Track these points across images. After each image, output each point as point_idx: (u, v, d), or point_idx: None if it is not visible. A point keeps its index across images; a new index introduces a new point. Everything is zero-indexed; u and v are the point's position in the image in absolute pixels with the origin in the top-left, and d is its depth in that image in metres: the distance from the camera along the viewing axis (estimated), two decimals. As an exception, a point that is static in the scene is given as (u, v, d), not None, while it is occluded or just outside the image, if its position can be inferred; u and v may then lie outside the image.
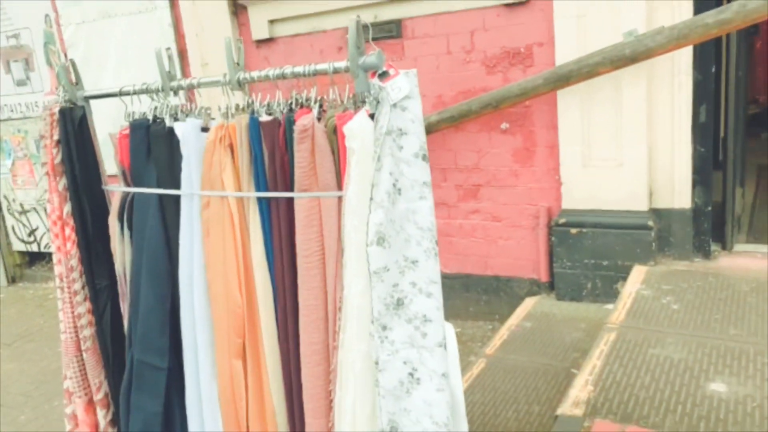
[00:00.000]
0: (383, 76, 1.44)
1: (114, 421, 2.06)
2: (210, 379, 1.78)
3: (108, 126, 2.05)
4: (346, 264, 1.50)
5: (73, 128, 1.92)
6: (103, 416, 2.04)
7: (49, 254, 5.30)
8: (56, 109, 1.92)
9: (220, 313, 1.73)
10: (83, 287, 2.00)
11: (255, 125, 1.63)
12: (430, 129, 3.60)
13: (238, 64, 1.69)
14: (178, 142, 1.75)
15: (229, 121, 1.68)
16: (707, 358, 2.35)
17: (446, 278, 3.13)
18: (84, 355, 2.01)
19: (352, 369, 1.51)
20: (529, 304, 3.60)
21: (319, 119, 1.56)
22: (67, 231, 1.97)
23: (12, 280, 5.98)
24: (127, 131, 1.86)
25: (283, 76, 1.63)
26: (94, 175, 1.99)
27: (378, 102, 1.43)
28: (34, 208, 5.75)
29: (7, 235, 5.99)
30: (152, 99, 1.85)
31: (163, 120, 1.81)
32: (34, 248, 5.90)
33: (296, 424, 1.70)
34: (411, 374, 1.46)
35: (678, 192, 3.30)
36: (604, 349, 2.48)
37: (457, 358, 1.57)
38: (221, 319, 1.73)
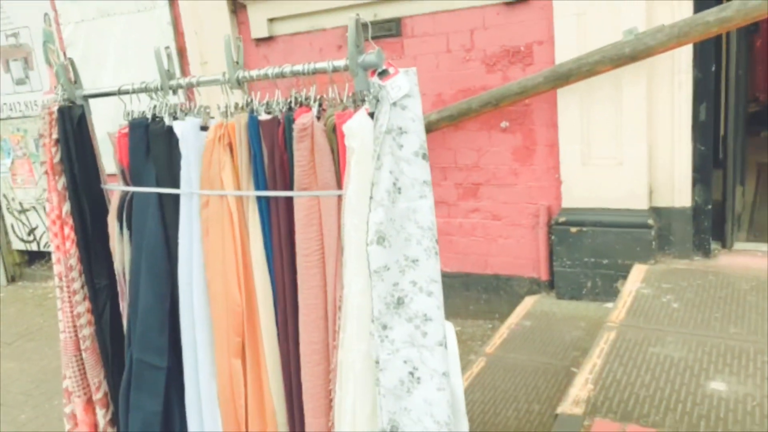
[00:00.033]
0: (383, 74, 1.43)
1: (113, 421, 2.05)
2: (209, 379, 1.78)
3: (107, 125, 2.04)
4: (346, 263, 1.50)
5: (72, 127, 1.92)
6: (102, 415, 2.04)
7: (49, 253, 5.29)
8: (55, 108, 1.92)
9: (220, 312, 1.73)
10: (82, 286, 1.99)
11: (254, 124, 1.62)
12: (429, 128, 3.60)
13: (237, 62, 1.68)
14: (177, 141, 1.74)
15: (229, 120, 1.68)
16: (707, 356, 2.35)
17: (446, 277, 3.12)
18: (83, 354, 2.01)
19: (352, 368, 1.51)
20: (529, 302, 3.60)
21: (318, 118, 1.55)
22: (66, 230, 1.97)
23: (11, 279, 5.98)
24: (126, 130, 1.86)
25: (282, 75, 1.62)
26: (93, 174, 1.99)
27: (378, 101, 1.43)
28: (34, 207, 5.74)
29: (6, 234, 5.98)
30: (151, 98, 1.84)
31: (162, 119, 1.80)
32: (34, 247, 5.89)
33: (296, 424, 1.70)
34: (411, 373, 1.46)
35: (678, 190, 3.30)
36: (604, 347, 2.48)
37: (458, 357, 1.57)
38: (220, 318, 1.73)
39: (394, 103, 1.41)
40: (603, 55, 3.11)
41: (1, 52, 5.48)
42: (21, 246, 5.96)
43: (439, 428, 1.45)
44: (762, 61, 6.61)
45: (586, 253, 3.44)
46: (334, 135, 1.53)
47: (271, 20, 4.13)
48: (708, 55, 3.15)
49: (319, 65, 1.57)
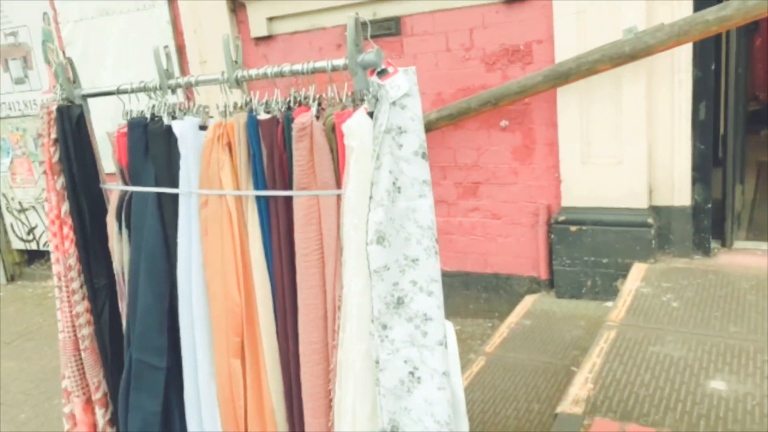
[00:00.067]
0: (382, 73, 1.43)
1: (113, 421, 2.05)
2: (208, 379, 1.78)
3: (106, 124, 2.04)
4: (346, 263, 1.50)
5: (71, 127, 1.91)
6: (101, 415, 2.04)
7: (48, 252, 5.29)
8: (54, 108, 1.91)
9: (219, 312, 1.73)
10: (81, 286, 1.99)
11: (253, 123, 1.62)
12: (429, 127, 3.59)
13: (236, 62, 1.68)
14: (176, 140, 1.74)
15: (228, 120, 1.67)
16: (707, 355, 2.35)
17: (446, 276, 3.12)
18: (82, 354, 2.00)
19: (352, 368, 1.50)
20: (528, 301, 3.60)
21: (317, 117, 1.55)
22: (65, 230, 1.96)
23: (11, 279, 5.97)
24: (125, 130, 1.86)
25: (281, 74, 1.62)
26: (92, 174, 1.98)
27: (377, 100, 1.42)
28: (33, 207, 5.74)
29: (6, 233, 5.98)
30: (150, 97, 1.84)
31: (161, 118, 1.80)
32: (33, 246, 5.89)
33: (295, 424, 1.69)
34: (412, 373, 1.45)
35: (678, 189, 3.29)
36: (603, 347, 2.48)
37: (457, 357, 1.57)
38: (220, 318, 1.73)
39: (394, 103, 1.40)
40: (603, 53, 3.10)
41: (1, 51, 5.47)
42: (20, 245, 5.96)
43: (440, 428, 1.45)
44: (762, 60, 6.61)
45: (586, 252, 3.44)
46: (333, 134, 1.52)
47: (270, 19, 4.12)
48: (708, 53, 3.14)
49: (318, 64, 1.56)
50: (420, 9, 3.67)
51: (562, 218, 3.50)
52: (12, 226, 5.94)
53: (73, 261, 1.97)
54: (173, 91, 1.82)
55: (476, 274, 3.91)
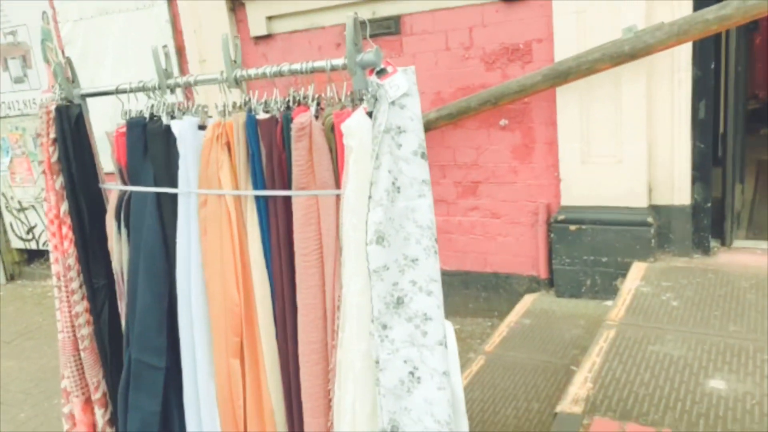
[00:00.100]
0: (381, 73, 1.43)
1: (112, 421, 2.05)
2: (208, 378, 1.78)
3: (105, 123, 2.04)
4: (345, 263, 1.50)
5: (70, 126, 1.91)
6: (101, 415, 2.03)
7: (48, 252, 5.30)
8: (52, 107, 1.91)
9: (218, 312, 1.72)
10: (81, 286, 1.99)
11: (252, 123, 1.62)
12: (428, 126, 3.59)
13: (235, 61, 1.68)
14: (175, 140, 1.74)
15: (227, 119, 1.67)
16: (706, 355, 2.35)
17: (445, 275, 3.11)
18: (82, 354, 2.00)
19: (352, 368, 1.50)
20: (528, 300, 3.60)
21: (316, 117, 1.55)
22: (64, 229, 1.96)
23: (11, 278, 5.97)
24: (124, 129, 1.85)
25: (280, 74, 1.62)
26: (91, 174, 1.98)
27: (376, 100, 1.42)
28: (33, 206, 5.74)
29: (5, 232, 5.98)
30: (149, 97, 1.83)
31: (159, 118, 1.80)
32: (33, 246, 5.89)
33: (294, 424, 1.69)
34: (411, 373, 1.45)
35: (677, 188, 3.29)
36: (603, 346, 2.47)
37: (457, 356, 1.57)
38: (219, 317, 1.73)
39: (393, 102, 1.40)
40: (602, 53, 3.10)
41: (0, 51, 5.46)
42: (20, 244, 5.96)
43: (440, 427, 1.45)
44: (762, 59, 6.61)
45: (586, 251, 3.44)
46: (332, 134, 1.52)
47: (269, 18, 4.12)
48: (707, 52, 3.14)
49: (318, 64, 1.56)
50: (419, 8, 3.67)
51: (561, 217, 3.50)
52: (11, 225, 5.94)
53: (72, 261, 1.97)
54: (172, 91, 1.81)
55: (476, 273, 3.91)
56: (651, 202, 3.35)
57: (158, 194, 1.80)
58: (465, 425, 1.57)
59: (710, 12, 2.84)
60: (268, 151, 1.61)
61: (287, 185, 1.60)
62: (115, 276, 1.96)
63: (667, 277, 3.05)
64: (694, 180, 3.27)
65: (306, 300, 1.59)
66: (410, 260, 1.45)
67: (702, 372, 2.24)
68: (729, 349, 2.37)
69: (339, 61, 1.51)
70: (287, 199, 1.60)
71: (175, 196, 1.77)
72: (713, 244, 3.36)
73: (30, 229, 5.85)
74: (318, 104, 1.60)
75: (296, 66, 1.59)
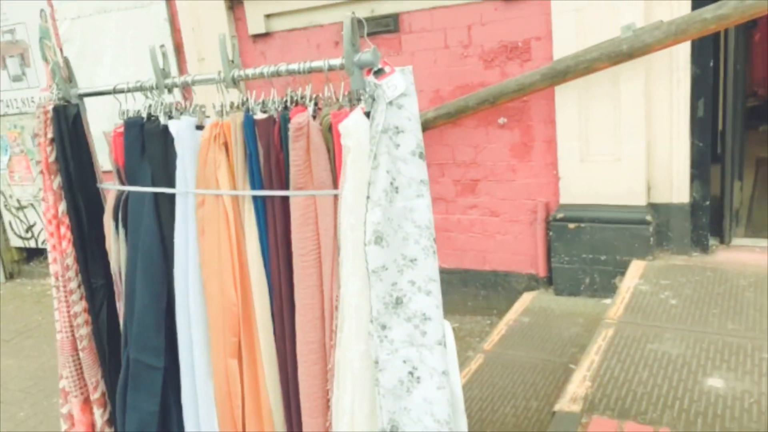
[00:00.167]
0: (379, 73, 1.42)
1: (111, 421, 2.05)
2: (206, 378, 1.78)
3: (103, 123, 2.03)
4: (343, 263, 1.49)
5: (67, 126, 1.91)
6: (100, 415, 2.04)
7: (47, 250, 5.30)
8: (50, 107, 1.91)
9: (216, 312, 1.72)
10: (79, 286, 1.99)
11: (250, 123, 1.62)
12: (427, 125, 3.59)
13: (232, 61, 1.67)
14: (172, 140, 1.73)
15: (224, 119, 1.67)
16: (705, 353, 2.35)
17: (444, 273, 3.11)
18: (80, 354, 2.00)
19: (350, 368, 1.50)
20: (527, 299, 3.60)
21: (314, 117, 1.54)
22: (63, 229, 1.96)
23: (10, 276, 5.97)
24: (122, 129, 1.85)
25: (278, 74, 1.62)
26: (88, 174, 1.98)
27: (374, 100, 1.42)
28: (32, 204, 5.74)
29: (4, 231, 5.98)
30: (147, 97, 1.83)
31: (157, 118, 1.79)
32: (32, 244, 5.89)
33: (293, 424, 1.69)
34: (411, 373, 1.45)
35: (676, 186, 3.29)
36: (602, 344, 2.48)
37: (455, 356, 1.57)
38: (216, 317, 1.72)
39: (391, 102, 1.40)
40: (600, 52, 3.10)
41: (-2, 49, 5.47)
42: (19, 243, 5.96)
43: (440, 427, 1.45)
44: (761, 56, 6.59)
45: (584, 249, 3.44)
46: (330, 134, 1.52)
47: (268, 16, 4.11)
48: (706, 50, 3.14)
49: (315, 64, 1.56)
50: (418, 6, 3.66)
51: (560, 215, 3.50)
52: (10, 223, 5.94)
53: (70, 261, 1.97)
54: (170, 91, 1.81)
55: (475, 272, 3.92)
56: (650, 201, 3.35)
57: (156, 194, 1.80)
58: (464, 424, 1.57)
59: (708, 11, 2.84)
60: (266, 151, 1.61)
61: (285, 185, 1.60)
62: (113, 276, 1.96)
63: (666, 275, 3.06)
64: (693, 178, 3.27)
65: (304, 300, 1.59)
66: (409, 260, 1.45)
67: (700, 370, 2.25)
68: (727, 347, 2.37)
69: (336, 62, 1.50)
70: (285, 200, 1.60)
71: (172, 196, 1.77)
72: (712, 242, 3.36)
73: (29, 228, 5.84)
74: (316, 104, 1.59)
75: (294, 66, 1.59)
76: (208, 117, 1.78)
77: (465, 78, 3.64)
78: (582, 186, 3.43)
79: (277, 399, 1.72)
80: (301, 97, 1.61)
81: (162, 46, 1.83)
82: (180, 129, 1.72)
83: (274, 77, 1.63)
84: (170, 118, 1.77)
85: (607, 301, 3.23)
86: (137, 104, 1.85)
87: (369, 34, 1.47)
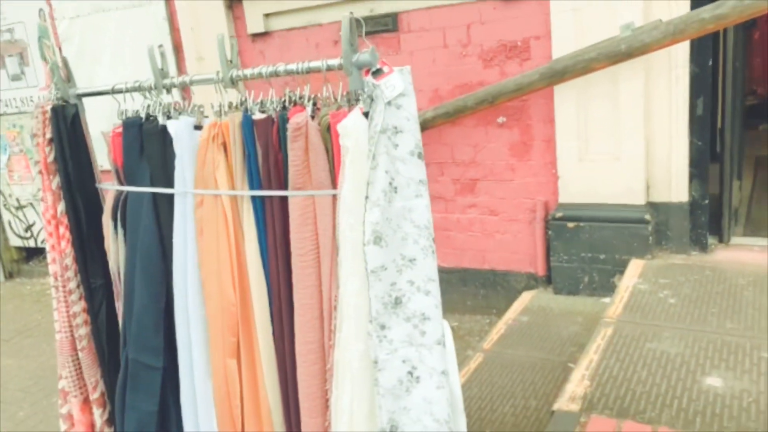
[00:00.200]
0: (377, 73, 1.42)
1: (110, 421, 2.05)
2: (205, 378, 1.78)
3: (102, 123, 2.03)
4: (342, 263, 1.50)
5: (66, 126, 1.91)
6: (99, 415, 2.04)
7: (46, 250, 5.30)
8: (48, 107, 1.90)
9: (215, 312, 1.72)
10: (78, 286, 1.99)
11: (248, 123, 1.62)
12: (425, 125, 3.59)
13: (231, 61, 1.67)
14: (171, 140, 1.73)
15: (223, 119, 1.67)
16: (704, 352, 2.35)
17: (443, 272, 3.12)
18: (80, 354, 2.00)
19: (349, 368, 1.50)
20: (526, 298, 3.61)
21: (312, 117, 1.55)
22: (61, 230, 1.96)
23: (9, 276, 5.97)
24: (120, 129, 1.85)
25: (276, 74, 1.62)
26: (87, 174, 1.98)
27: (372, 100, 1.42)
28: (31, 204, 5.74)
29: (3, 230, 5.97)
30: (145, 97, 1.83)
31: (156, 118, 1.79)
32: (31, 244, 5.89)
33: (292, 424, 1.69)
34: (410, 373, 1.46)
35: (675, 185, 3.29)
36: (600, 343, 2.48)
37: (454, 355, 1.57)
38: (215, 317, 1.73)
39: (389, 103, 1.40)
40: (599, 51, 3.10)
41: (-3, 48, 5.46)
42: (18, 242, 5.95)
43: (439, 427, 1.45)
44: (760, 54, 6.59)
45: (583, 248, 3.44)
46: (328, 134, 1.52)
47: (267, 15, 4.11)
48: (705, 49, 3.14)
49: (313, 64, 1.56)
50: (417, 5, 3.66)
51: (559, 215, 3.50)
52: (10, 223, 5.94)
53: (69, 261, 1.97)
54: (168, 91, 1.81)
55: (474, 271, 3.92)
56: (648, 200, 3.35)
57: (155, 194, 1.80)
58: (463, 423, 1.58)
59: (706, 11, 2.83)
60: (265, 152, 1.61)
61: (283, 185, 1.60)
62: (112, 276, 1.96)
63: (665, 274, 3.06)
64: (692, 177, 3.28)
65: (303, 300, 1.59)
66: (408, 260, 1.45)
67: (699, 369, 2.25)
68: (726, 346, 2.37)
69: (335, 62, 1.51)
70: (284, 200, 1.60)
71: (171, 197, 1.77)
72: (711, 241, 3.36)
73: (28, 227, 5.84)
74: (314, 104, 1.59)
75: (292, 66, 1.59)
76: (206, 117, 1.78)
77: (464, 77, 3.64)
78: (581, 185, 3.43)
79: (276, 399, 1.72)
80: (300, 97, 1.61)
81: (160, 45, 1.83)
82: (178, 129, 1.72)
83: (273, 77, 1.63)
84: (169, 118, 1.77)
85: (606, 300, 3.23)
86: (136, 104, 1.85)
87: (368, 34, 1.47)
